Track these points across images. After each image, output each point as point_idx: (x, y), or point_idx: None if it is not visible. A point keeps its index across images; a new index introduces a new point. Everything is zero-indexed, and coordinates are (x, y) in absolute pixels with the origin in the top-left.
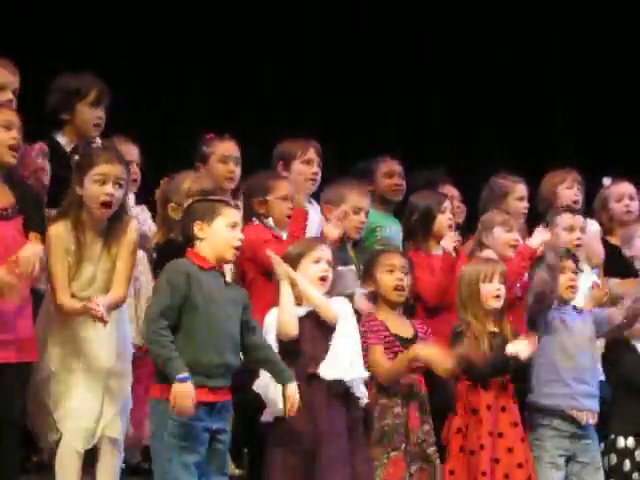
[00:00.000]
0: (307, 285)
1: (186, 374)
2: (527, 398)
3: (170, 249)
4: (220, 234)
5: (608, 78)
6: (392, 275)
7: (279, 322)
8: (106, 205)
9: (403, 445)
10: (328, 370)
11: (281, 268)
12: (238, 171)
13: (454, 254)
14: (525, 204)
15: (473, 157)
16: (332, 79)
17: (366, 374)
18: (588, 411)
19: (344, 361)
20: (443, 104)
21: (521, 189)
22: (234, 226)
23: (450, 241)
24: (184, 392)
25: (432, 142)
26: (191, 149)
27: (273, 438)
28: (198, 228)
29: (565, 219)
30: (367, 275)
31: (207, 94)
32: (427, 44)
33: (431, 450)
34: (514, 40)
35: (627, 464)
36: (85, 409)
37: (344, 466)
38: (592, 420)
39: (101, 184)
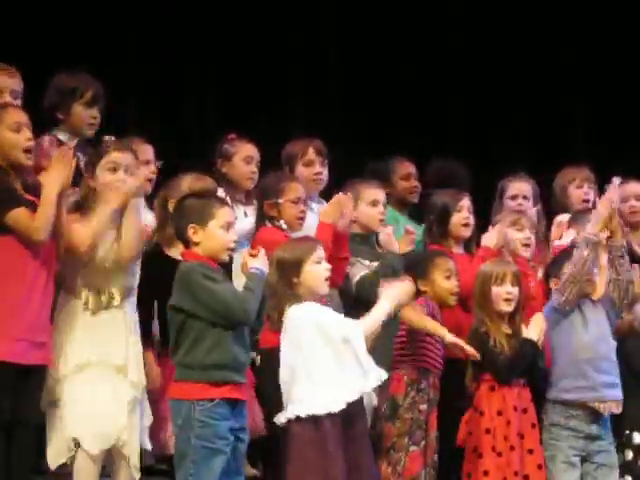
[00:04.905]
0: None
1: None
2: (547, 394)
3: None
4: (215, 237)
5: (629, 77)
6: (450, 281)
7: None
8: None
9: (423, 442)
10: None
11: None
12: (257, 172)
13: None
14: (519, 201)
15: (488, 158)
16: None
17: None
18: (611, 401)
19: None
20: (458, 104)
21: (515, 187)
22: (228, 227)
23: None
24: None
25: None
26: (189, 149)
27: (297, 439)
28: (192, 232)
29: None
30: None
31: (206, 94)
32: (445, 45)
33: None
34: (528, 40)
35: None
36: (98, 409)
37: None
38: (616, 410)
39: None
